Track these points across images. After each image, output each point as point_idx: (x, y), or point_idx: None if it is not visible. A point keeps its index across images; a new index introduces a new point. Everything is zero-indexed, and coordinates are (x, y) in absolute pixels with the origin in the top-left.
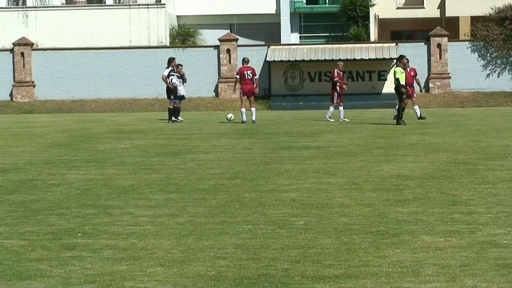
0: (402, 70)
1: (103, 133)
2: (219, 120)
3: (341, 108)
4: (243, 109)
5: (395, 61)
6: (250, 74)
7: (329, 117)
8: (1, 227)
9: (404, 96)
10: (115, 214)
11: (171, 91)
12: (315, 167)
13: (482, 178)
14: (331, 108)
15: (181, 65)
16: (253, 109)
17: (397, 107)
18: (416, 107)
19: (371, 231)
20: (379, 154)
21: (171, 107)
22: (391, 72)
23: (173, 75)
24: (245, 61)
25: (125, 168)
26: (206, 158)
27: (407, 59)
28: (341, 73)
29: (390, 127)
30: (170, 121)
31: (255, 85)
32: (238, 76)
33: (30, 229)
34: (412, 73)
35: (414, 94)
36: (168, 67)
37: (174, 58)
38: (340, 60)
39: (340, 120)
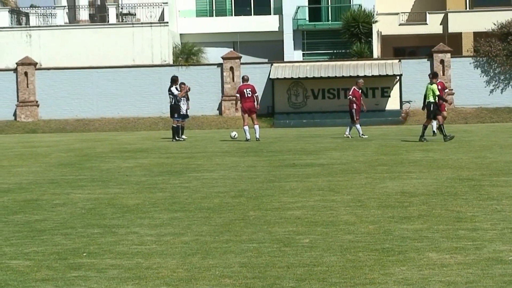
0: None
1: (107, 152)
2: (222, 138)
3: (358, 125)
4: (246, 127)
5: (429, 76)
6: (250, 92)
7: (362, 134)
8: (6, 247)
9: (436, 112)
10: (120, 234)
11: (175, 109)
12: (319, 184)
13: (487, 194)
14: (358, 126)
15: (184, 83)
16: (257, 126)
17: (435, 123)
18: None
19: (376, 249)
20: (384, 171)
21: (175, 126)
22: (429, 89)
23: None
24: (244, 79)
25: (130, 187)
26: (211, 176)
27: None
28: (359, 90)
29: (394, 144)
30: (174, 140)
31: (255, 103)
32: (238, 95)
33: (35, 249)
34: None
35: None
36: (173, 86)
37: (177, 77)
38: (358, 77)
39: (363, 136)
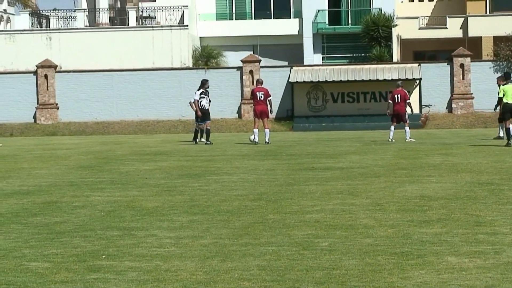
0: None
1: (127, 155)
2: (242, 141)
3: (392, 127)
4: (256, 130)
5: (501, 78)
6: (263, 95)
7: (410, 138)
8: (25, 249)
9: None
10: (139, 236)
11: (197, 114)
12: (338, 188)
13: (506, 198)
14: (407, 128)
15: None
16: (267, 130)
17: (502, 127)
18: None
19: (395, 252)
20: (403, 175)
21: (197, 129)
22: (506, 90)
23: (204, 97)
24: (258, 82)
25: (149, 190)
26: (230, 179)
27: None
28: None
29: (413, 148)
30: (197, 142)
31: (268, 106)
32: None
33: (54, 251)
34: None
35: None
36: (199, 89)
37: (207, 80)
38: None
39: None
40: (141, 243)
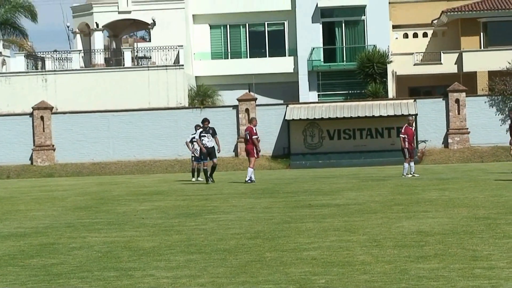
0: None
1: (124, 195)
2: (238, 180)
3: (411, 163)
4: (250, 169)
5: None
6: (248, 134)
7: (406, 174)
8: None
9: None
10: (137, 276)
11: (201, 152)
12: (335, 225)
13: (503, 232)
14: (405, 165)
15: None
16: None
17: None
18: None
19: None
20: (399, 210)
21: (205, 168)
22: None
23: (205, 135)
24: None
25: (146, 230)
26: (227, 218)
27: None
28: (412, 128)
29: (409, 183)
30: (209, 181)
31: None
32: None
33: None
34: None
35: None
36: (199, 129)
37: (206, 118)
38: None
39: (410, 175)
40: (138, 283)
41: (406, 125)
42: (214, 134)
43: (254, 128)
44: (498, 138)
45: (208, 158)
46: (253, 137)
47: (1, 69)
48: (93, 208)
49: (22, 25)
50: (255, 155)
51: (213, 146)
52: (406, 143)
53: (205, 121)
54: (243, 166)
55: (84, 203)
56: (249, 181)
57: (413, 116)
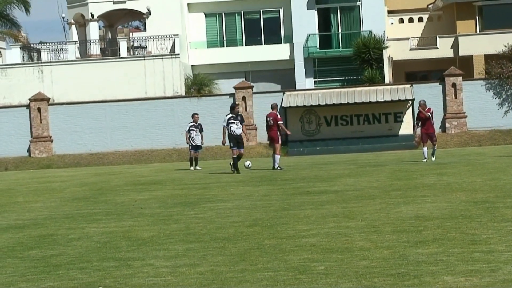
0: None
1: (122, 185)
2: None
3: (431, 148)
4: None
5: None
6: (271, 121)
7: (425, 157)
8: (22, 283)
9: None
10: (136, 266)
11: (230, 138)
12: (334, 211)
13: (501, 216)
14: (424, 149)
15: (197, 114)
16: (276, 156)
17: None
18: None
19: (391, 274)
20: (398, 196)
21: (235, 156)
22: None
23: (233, 122)
24: (271, 106)
25: (145, 220)
26: (225, 206)
27: None
28: (423, 112)
29: (407, 168)
30: (235, 171)
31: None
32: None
33: (51, 284)
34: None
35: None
36: (228, 114)
37: (237, 104)
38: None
39: (425, 160)
40: (137, 273)
41: (420, 110)
42: (242, 121)
43: (278, 114)
44: (495, 121)
45: (237, 146)
46: (279, 122)
47: None
48: (92, 199)
49: (15, 17)
50: (279, 141)
51: (240, 135)
52: (418, 129)
53: (235, 106)
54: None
55: (83, 194)
56: (279, 168)
57: (424, 101)
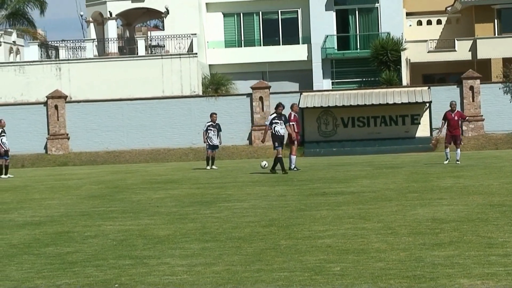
0: None
1: (138, 183)
2: (253, 168)
3: (455, 151)
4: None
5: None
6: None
7: (447, 159)
8: (38, 280)
9: None
10: (152, 264)
11: (274, 138)
12: (350, 212)
13: None
14: (446, 150)
15: (215, 114)
16: (292, 156)
17: None
18: None
19: (407, 276)
20: (414, 198)
21: (280, 156)
22: None
23: (278, 122)
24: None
25: (161, 218)
26: (241, 206)
27: None
28: (452, 113)
29: (424, 171)
30: (283, 171)
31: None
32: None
33: (67, 281)
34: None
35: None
36: (272, 114)
37: (281, 103)
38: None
39: (446, 162)
40: (153, 271)
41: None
42: (286, 121)
43: (293, 114)
44: None
45: (281, 146)
46: (290, 123)
47: (15, 58)
48: (108, 197)
49: (31, 16)
50: (296, 142)
51: (283, 135)
52: (444, 129)
53: (279, 106)
54: (257, 154)
55: (99, 192)
56: (295, 168)
57: (454, 102)
